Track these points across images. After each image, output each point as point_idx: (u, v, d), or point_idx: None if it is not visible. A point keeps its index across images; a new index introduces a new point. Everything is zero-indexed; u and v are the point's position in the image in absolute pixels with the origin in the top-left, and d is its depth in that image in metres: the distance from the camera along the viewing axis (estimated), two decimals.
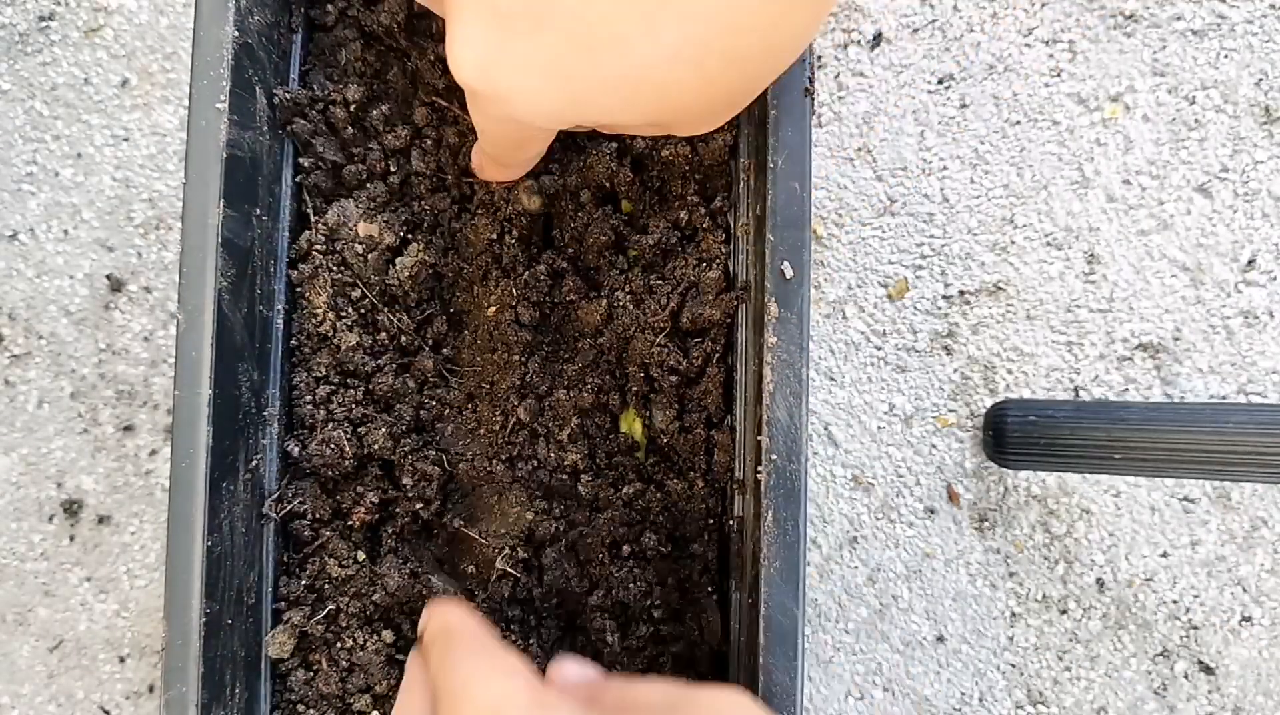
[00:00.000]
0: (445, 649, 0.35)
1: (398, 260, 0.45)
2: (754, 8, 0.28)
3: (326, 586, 0.45)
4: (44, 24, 0.64)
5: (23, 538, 0.62)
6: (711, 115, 0.34)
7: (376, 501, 0.45)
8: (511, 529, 0.45)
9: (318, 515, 0.44)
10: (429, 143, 0.47)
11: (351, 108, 0.45)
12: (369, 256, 0.44)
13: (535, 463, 0.46)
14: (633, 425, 0.46)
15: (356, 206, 0.45)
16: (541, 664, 0.45)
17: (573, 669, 0.38)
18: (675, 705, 0.33)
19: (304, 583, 0.44)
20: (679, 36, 0.28)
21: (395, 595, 0.44)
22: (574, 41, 0.29)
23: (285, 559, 0.45)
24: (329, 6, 0.46)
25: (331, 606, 0.44)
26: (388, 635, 0.45)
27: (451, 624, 0.37)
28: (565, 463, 0.46)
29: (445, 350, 0.46)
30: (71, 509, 0.62)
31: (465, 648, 0.35)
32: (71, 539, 0.62)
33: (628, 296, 0.45)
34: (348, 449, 0.44)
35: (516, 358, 0.45)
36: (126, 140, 0.64)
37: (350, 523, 0.45)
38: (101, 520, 0.62)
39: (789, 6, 0.29)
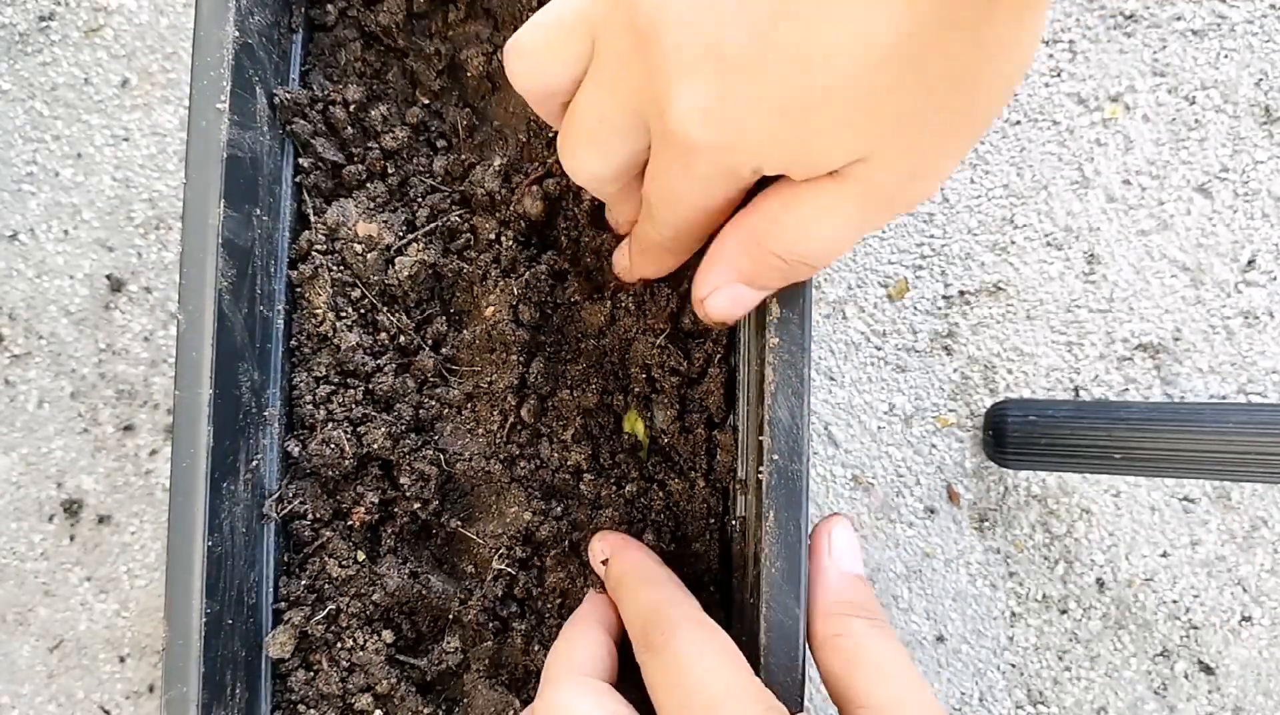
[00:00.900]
0: (646, 591, 0.39)
1: (397, 260, 0.45)
2: (963, 3, 0.27)
3: (327, 586, 0.45)
4: (44, 24, 0.64)
5: (23, 538, 0.62)
6: (927, 144, 0.31)
7: (376, 501, 0.45)
8: (509, 529, 0.45)
9: (318, 515, 0.44)
10: (428, 142, 0.47)
11: (351, 108, 0.45)
12: (368, 256, 0.44)
13: (538, 463, 0.46)
14: (635, 425, 0.46)
15: (356, 206, 0.45)
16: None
17: (844, 542, 0.42)
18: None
19: (304, 583, 0.44)
20: (895, 40, 0.27)
21: (395, 595, 0.44)
22: (793, 64, 0.28)
23: (285, 559, 0.45)
24: (329, 6, 0.46)
25: (332, 607, 0.44)
26: (388, 635, 0.45)
27: (652, 576, 0.41)
28: (568, 463, 0.46)
29: (444, 350, 0.46)
30: (71, 509, 0.62)
31: (672, 601, 0.38)
32: (71, 539, 0.62)
33: (629, 297, 0.45)
34: (348, 449, 0.44)
35: (515, 357, 0.45)
36: (126, 140, 0.64)
37: (350, 523, 0.45)
38: (101, 520, 0.62)
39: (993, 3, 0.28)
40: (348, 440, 0.44)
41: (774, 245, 0.35)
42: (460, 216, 0.46)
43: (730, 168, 0.32)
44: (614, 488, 0.46)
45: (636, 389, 0.46)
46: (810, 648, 0.39)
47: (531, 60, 0.35)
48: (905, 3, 0.26)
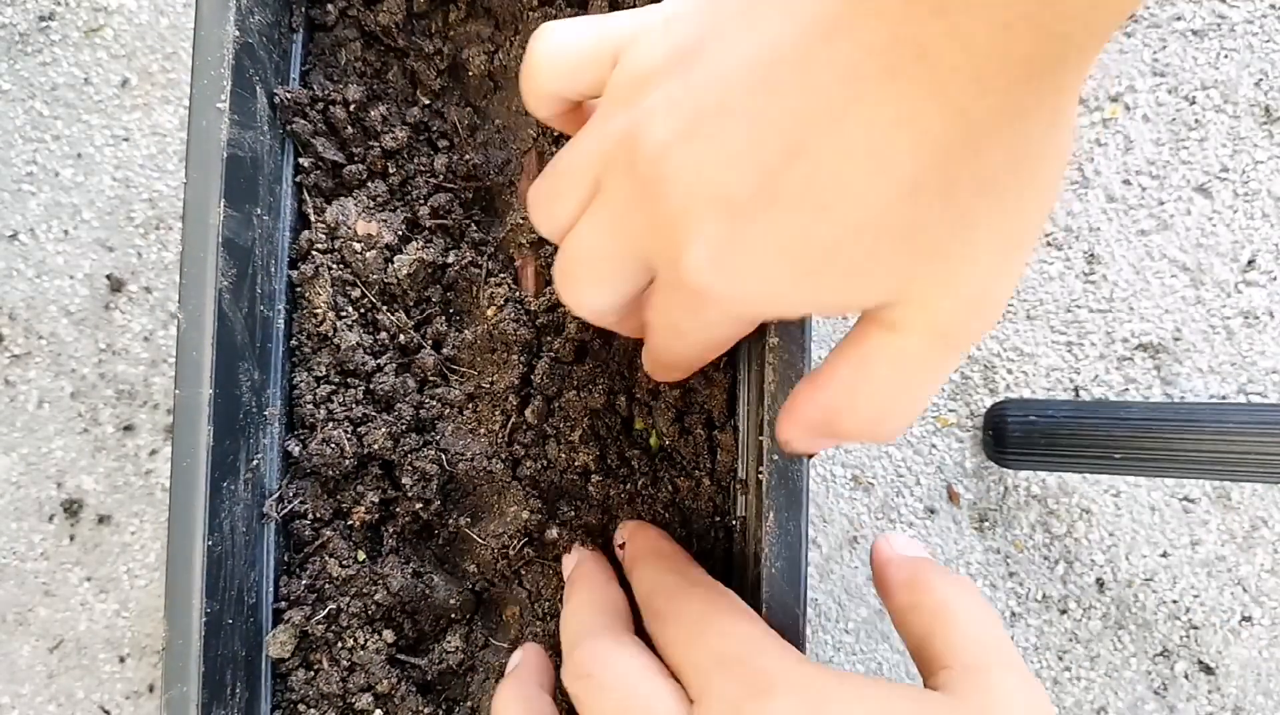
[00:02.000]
0: (655, 564, 0.40)
1: (396, 258, 0.45)
2: (987, 116, 0.25)
3: (327, 586, 0.45)
4: (44, 24, 0.64)
5: (23, 538, 0.62)
6: (982, 268, 0.29)
7: (377, 501, 0.45)
8: (509, 527, 0.45)
9: (318, 515, 0.44)
10: (429, 142, 0.47)
11: (351, 107, 0.45)
12: (367, 255, 0.44)
13: (544, 463, 0.46)
14: (645, 425, 0.46)
15: (355, 205, 0.45)
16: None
17: (901, 538, 0.42)
18: (974, 674, 0.34)
19: (304, 582, 0.44)
20: (915, 165, 0.25)
21: (398, 595, 0.44)
22: (807, 205, 0.26)
23: (286, 559, 0.45)
24: (329, 6, 0.46)
25: (332, 606, 0.44)
26: (389, 635, 0.45)
27: (663, 550, 0.41)
28: (575, 463, 0.46)
29: (445, 349, 0.46)
30: (71, 509, 0.62)
31: (681, 571, 0.39)
32: (71, 539, 0.62)
33: None
34: (348, 448, 0.44)
35: (515, 357, 0.45)
36: (126, 140, 0.64)
37: (350, 522, 0.45)
38: (101, 520, 0.62)
39: (1021, 108, 0.25)
40: (348, 440, 0.44)
41: (851, 425, 0.32)
42: (461, 216, 0.46)
43: (742, 315, 0.31)
44: (621, 486, 0.46)
45: (639, 395, 0.46)
46: (895, 625, 0.38)
47: (547, 206, 0.34)
48: (923, 131, 0.24)
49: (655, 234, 0.30)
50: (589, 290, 0.34)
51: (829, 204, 0.26)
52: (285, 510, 0.44)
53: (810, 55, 0.25)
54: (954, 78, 0.23)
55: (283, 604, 0.44)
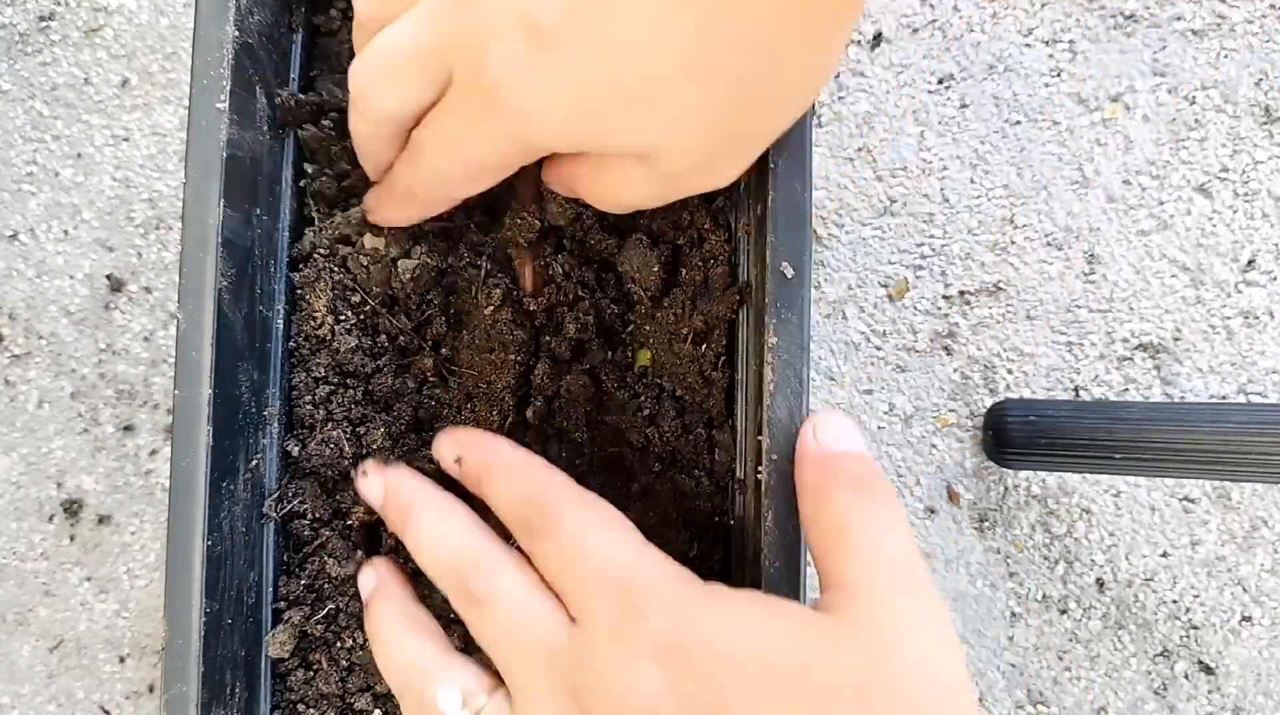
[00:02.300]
0: (514, 478, 0.39)
1: (399, 263, 0.45)
2: (759, 23, 0.29)
3: (326, 586, 0.44)
4: (44, 24, 0.64)
5: (23, 538, 0.62)
6: (712, 148, 0.34)
7: None
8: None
9: (317, 515, 0.44)
10: None
11: None
12: (372, 268, 0.44)
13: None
14: (645, 359, 0.46)
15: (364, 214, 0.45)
16: None
17: (831, 426, 0.39)
18: (875, 606, 0.32)
19: (304, 582, 0.44)
20: (691, 49, 0.30)
21: None
22: (597, 51, 0.30)
23: (285, 559, 0.45)
24: (332, 10, 0.46)
25: (331, 606, 0.44)
26: None
27: (515, 461, 0.40)
28: (575, 463, 0.46)
29: (444, 350, 0.46)
30: (71, 509, 0.62)
31: (545, 483, 0.38)
32: (71, 539, 0.62)
33: (647, 297, 0.45)
34: (347, 448, 0.44)
35: (513, 357, 0.45)
36: (126, 140, 0.64)
37: (350, 522, 0.45)
38: (101, 520, 0.62)
39: (791, 26, 0.30)
40: (347, 440, 0.44)
41: (585, 195, 0.39)
42: (465, 220, 0.46)
43: (521, 138, 0.34)
44: (622, 486, 0.46)
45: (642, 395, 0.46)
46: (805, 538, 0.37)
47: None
48: (703, 17, 0.29)
49: (464, 37, 0.32)
50: (389, 86, 0.36)
51: (615, 57, 0.30)
52: (285, 510, 0.44)
53: None
54: None
55: (282, 604, 0.44)
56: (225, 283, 0.39)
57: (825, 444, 0.37)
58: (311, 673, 0.44)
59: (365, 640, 0.44)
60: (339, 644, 0.44)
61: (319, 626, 0.44)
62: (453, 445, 0.42)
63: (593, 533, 0.35)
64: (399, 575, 0.42)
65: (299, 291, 0.45)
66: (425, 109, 0.36)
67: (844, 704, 0.29)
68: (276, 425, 0.44)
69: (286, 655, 0.43)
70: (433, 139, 0.36)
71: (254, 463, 0.42)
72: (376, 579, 0.42)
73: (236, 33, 0.40)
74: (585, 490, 0.37)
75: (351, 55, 0.46)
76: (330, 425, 0.44)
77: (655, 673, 0.30)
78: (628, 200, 0.38)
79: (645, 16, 0.29)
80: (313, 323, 0.45)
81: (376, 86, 0.36)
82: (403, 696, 0.38)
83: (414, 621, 0.39)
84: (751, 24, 0.29)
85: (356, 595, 0.44)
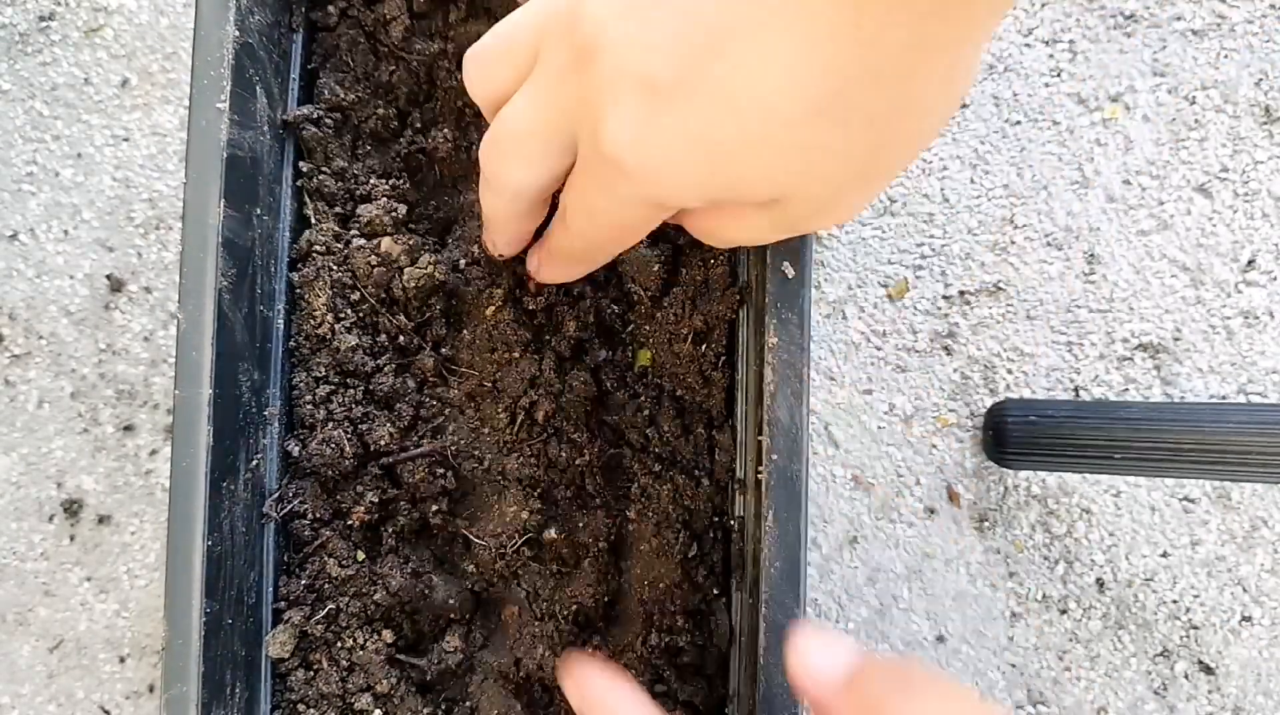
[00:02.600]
0: None
1: (405, 270, 0.45)
2: (894, 58, 0.28)
3: (326, 586, 0.45)
4: (44, 24, 0.64)
5: (23, 538, 0.62)
6: (841, 190, 0.33)
7: (376, 501, 0.45)
8: (508, 528, 0.45)
9: (317, 515, 0.44)
10: (436, 144, 0.47)
11: (357, 113, 0.46)
12: (375, 271, 0.44)
13: (545, 462, 0.46)
14: (645, 359, 0.47)
15: (380, 210, 0.45)
16: (550, 670, 0.45)
17: (818, 651, 0.33)
18: None
19: (304, 583, 0.44)
20: (821, 92, 0.28)
21: (397, 595, 0.44)
22: (718, 105, 0.29)
23: (285, 559, 0.45)
24: (330, 8, 0.46)
25: (331, 606, 0.44)
26: (388, 635, 0.45)
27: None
28: (576, 462, 0.46)
29: (444, 349, 0.46)
30: (71, 509, 0.62)
31: None
32: (71, 539, 0.62)
33: (648, 299, 0.45)
34: (347, 448, 0.44)
35: (515, 356, 0.45)
36: (126, 140, 0.64)
37: (350, 522, 0.45)
38: (101, 520, 0.62)
39: (926, 56, 0.28)
40: (348, 440, 0.44)
41: (705, 238, 0.38)
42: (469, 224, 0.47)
43: (651, 197, 0.33)
44: (622, 486, 0.46)
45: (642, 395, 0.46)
46: None
47: (483, 68, 0.36)
48: (833, 55, 0.27)
49: (582, 105, 0.32)
50: (516, 164, 0.36)
51: (740, 108, 0.29)
52: (285, 510, 0.44)
53: None
54: (869, 6, 0.26)
55: (282, 604, 0.44)
56: (225, 283, 0.39)
57: (819, 672, 0.32)
58: (312, 673, 0.44)
59: (365, 640, 0.44)
60: (339, 644, 0.44)
61: (319, 626, 0.44)
62: (569, 680, 0.37)
63: None
64: None
65: (299, 291, 0.45)
66: (560, 177, 0.36)
67: None
68: (277, 425, 0.44)
69: (287, 655, 0.43)
70: (574, 206, 0.36)
71: (254, 463, 0.42)
72: None
73: (237, 33, 0.40)
74: None
75: (351, 49, 0.47)
76: (331, 425, 0.44)
77: None
78: (745, 240, 0.37)
79: (769, 64, 0.28)
80: (312, 321, 0.45)
81: (506, 165, 0.36)
82: None
83: None
84: (886, 59, 0.27)
85: (356, 595, 0.44)
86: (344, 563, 0.44)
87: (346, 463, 0.44)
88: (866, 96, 0.28)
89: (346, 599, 0.44)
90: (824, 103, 0.28)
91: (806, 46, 0.27)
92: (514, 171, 0.36)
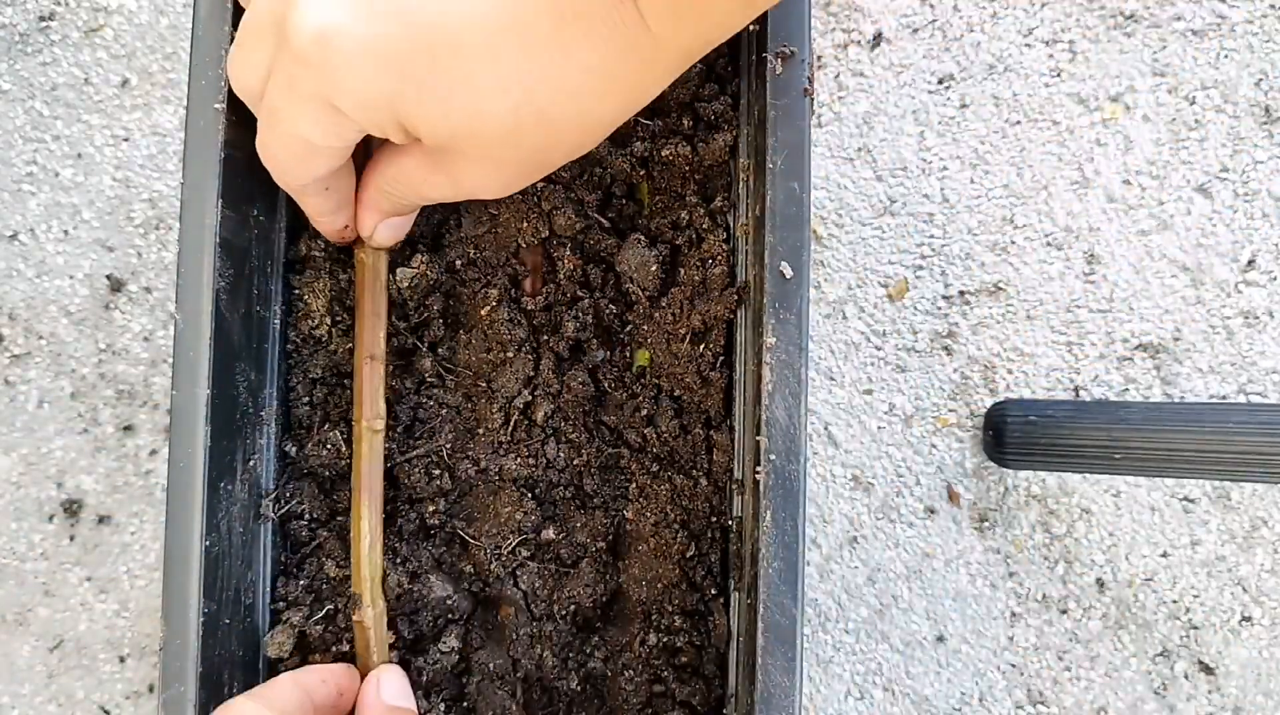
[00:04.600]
0: None
1: (399, 270, 0.45)
2: (580, 87, 0.31)
3: (325, 587, 0.44)
4: (44, 24, 0.64)
5: (23, 538, 0.62)
6: (498, 166, 0.35)
7: None
8: (505, 528, 0.45)
9: (315, 515, 0.44)
10: None
11: None
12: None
13: (544, 463, 0.46)
14: (644, 359, 0.46)
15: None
16: (548, 670, 0.45)
17: (395, 684, 0.42)
18: None
19: (303, 584, 0.44)
20: (512, 72, 0.31)
21: (396, 596, 0.44)
22: (421, 40, 0.30)
23: (282, 559, 0.45)
24: None
25: (330, 607, 0.44)
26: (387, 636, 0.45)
27: None
28: (574, 463, 0.46)
29: (441, 350, 0.46)
30: (71, 509, 0.62)
31: None
32: (71, 539, 0.62)
33: (646, 299, 0.45)
34: (344, 449, 0.44)
35: (512, 356, 0.45)
36: (126, 140, 0.64)
37: (347, 524, 0.45)
38: (101, 520, 0.62)
39: (604, 98, 0.33)
40: (344, 441, 0.44)
41: (401, 197, 0.39)
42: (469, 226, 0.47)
43: (330, 94, 0.33)
44: (620, 486, 0.46)
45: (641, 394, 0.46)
46: None
47: (236, 63, 0.37)
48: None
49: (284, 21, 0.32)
50: (236, 57, 0.36)
51: (430, 27, 0.30)
52: (282, 510, 0.44)
53: None
54: None
55: (281, 604, 0.44)
56: (223, 283, 0.39)
57: (384, 699, 0.41)
58: None
59: None
60: (338, 645, 0.44)
61: (318, 627, 0.44)
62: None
63: None
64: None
65: (296, 292, 0.45)
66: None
67: None
68: (273, 425, 0.44)
69: (285, 655, 0.43)
70: (261, 115, 0.36)
71: (251, 463, 0.42)
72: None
73: (235, 33, 0.40)
74: None
75: None
76: (328, 426, 0.44)
77: None
78: (419, 196, 0.38)
79: (477, 29, 0.30)
80: (310, 322, 0.45)
81: (230, 62, 0.37)
82: None
83: None
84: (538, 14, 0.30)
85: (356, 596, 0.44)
86: (342, 563, 0.44)
87: (344, 463, 0.44)
88: (534, 43, 0.30)
89: (345, 600, 0.44)
90: (499, 37, 0.30)
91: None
92: (235, 68, 0.37)
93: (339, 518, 0.45)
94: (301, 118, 0.34)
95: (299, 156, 0.36)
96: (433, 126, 0.33)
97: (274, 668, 0.43)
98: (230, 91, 0.39)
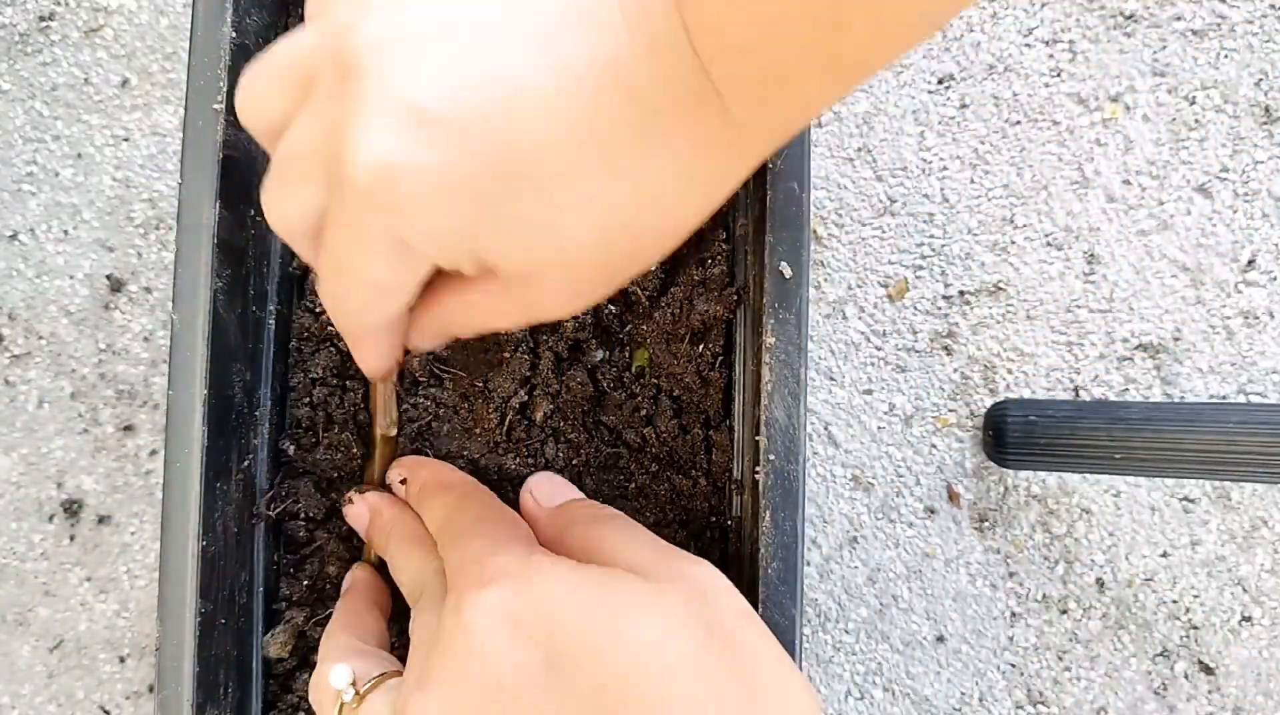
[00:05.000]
0: (443, 497, 0.41)
1: None
2: (665, 190, 0.28)
3: (327, 587, 0.45)
4: (44, 24, 0.64)
5: (23, 538, 0.62)
6: (578, 287, 0.32)
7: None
8: None
9: (312, 515, 0.44)
10: None
11: None
12: None
13: (542, 462, 0.46)
14: (642, 359, 0.46)
15: None
16: None
17: (544, 486, 0.44)
18: (647, 568, 0.34)
19: (305, 583, 0.44)
20: (596, 190, 0.27)
21: (394, 595, 0.44)
22: (494, 168, 0.27)
23: (282, 559, 0.45)
24: None
25: (331, 607, 0.44)
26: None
27: (449, 482, 0.43)
28: (573, 462, 0.46)
29: (438, 350, 0.46)
30: (71, 509, 0.62)
31: (467, 499, 0.41)
32: (71, 539, 0.62)
33: (645, 297, 0.45)
34: (355, 450, 0.44)
35: (509, 356, 0.45)
36: (126, 140, 0.64)
37: (345, 525, 0.45)
38: (101, 520, 0.62)
39: (709, 205, 0.30)
40: (354, 441, 0.44)
41: (463, 327, 0.35)
42: None
43: (399, 231, 0.29)
44: (619, 484, 0.46)
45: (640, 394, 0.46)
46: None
47: (254, 94, 0.31)
48: (602, 112, 0.27)
49: (335, 131, 0.28)
50: (276, 194, 0.32)
51: (508, 161, 0.27)
52: (279, 510, 0.44)
53: (539, 29, 0.26)
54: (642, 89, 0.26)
55: (282, 604, 0.44)
56: (220, 283, 0.39)
57: (546, 500, 0.43)
58: (309, 673, 0.44)
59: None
60: None
61: (318, 628, 0.44)
62: (400, 470, 0.44)
63: (495, 541, 0.36)
64: (373, 581, 0.44)
65: (297, 291, 0.45)
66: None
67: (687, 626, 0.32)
68: (268, 425, 0.44)
69: (286, 655, 0.43)
70: (323, 263, 0.32)
71: (246, 463, 0.42)
72: (350, 581, 0.44)
73: (234, 34, 0.40)
74: (504, 510, 0.40)
75: None
76: (335, 427, 0.44)
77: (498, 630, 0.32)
78: (490, 325, 0.35)
79: (549, 121, 0.26)
80: (309, 321, 0.45)
81: (271, 201, 0.32)
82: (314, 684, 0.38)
83: (353, 621, 0.41)
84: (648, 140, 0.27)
85: None
86: (343, 563, 0.44)
87: (354, 465, 0.44)
88: (615, 155, 0.27)
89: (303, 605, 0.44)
90: (577, 154, 0.27)
91: (590, 109, 0.26)
92: (275, 203, 0.32)
93: (336, 519, 0.45)
94: (374, 262, 0.30)
95: (373, 301, 0.32)
96: (513, 258, 0.30)
97: (271, 667, 0.44)
98: (229, 92, 0.39)
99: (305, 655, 0.44)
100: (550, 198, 0.27)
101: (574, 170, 0.27)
